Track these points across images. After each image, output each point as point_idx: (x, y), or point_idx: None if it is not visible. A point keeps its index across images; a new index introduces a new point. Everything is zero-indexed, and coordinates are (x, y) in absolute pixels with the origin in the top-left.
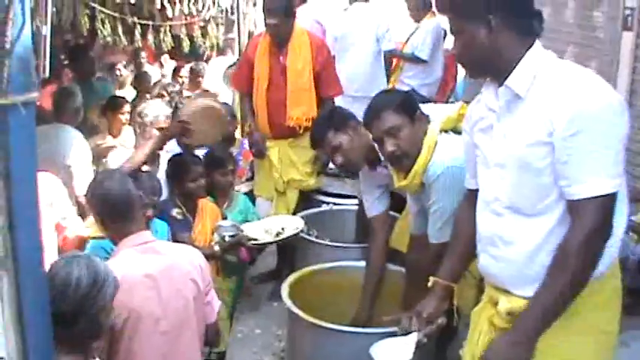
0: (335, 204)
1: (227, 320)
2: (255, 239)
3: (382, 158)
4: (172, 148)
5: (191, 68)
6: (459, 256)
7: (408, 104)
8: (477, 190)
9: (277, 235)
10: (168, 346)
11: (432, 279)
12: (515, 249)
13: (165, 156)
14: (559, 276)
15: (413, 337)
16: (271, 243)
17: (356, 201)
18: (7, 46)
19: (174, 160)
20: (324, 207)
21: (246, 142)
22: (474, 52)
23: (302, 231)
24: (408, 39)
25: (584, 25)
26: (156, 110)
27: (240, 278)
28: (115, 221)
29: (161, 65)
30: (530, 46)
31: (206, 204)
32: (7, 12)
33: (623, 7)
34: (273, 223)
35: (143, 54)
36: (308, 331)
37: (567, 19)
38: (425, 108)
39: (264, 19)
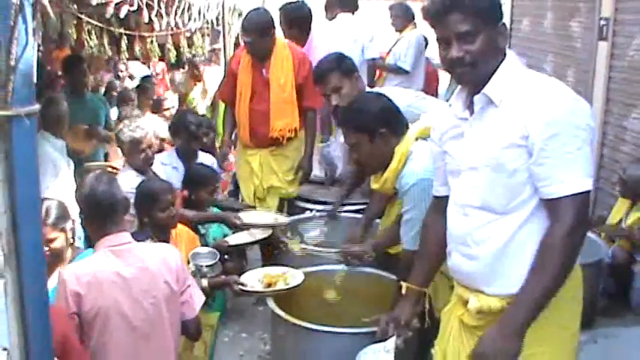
0: (318, 210)
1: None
2: (244, 284)
3: None
4: (171, 161)
5: (139, 85)
6: (429, 260)
7: (371, 124)
8: (444, 197)
9: (269, 285)
10: (139, 345)
11: (404, 285)
12: (486, 247)
13: (159, 168)
14: (545, 270)
15: (391, 343)
16: (262, 293)
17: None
18: (12, 62)
19: (142, 189)
20: (308, 213)
21: (235, 159)
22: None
23: (298, 285)
24: (391, 49)
25: (561, 35)
26: (135, 130)
27: (221, 312)
28: (97, 221)
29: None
30: (504, 58)
31: (182, 230)
32: (13, 32)
33: (599, 18)
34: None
35: (122, 66)
36: (292, 332)
37: (545, 29)
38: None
39: (241, 36)
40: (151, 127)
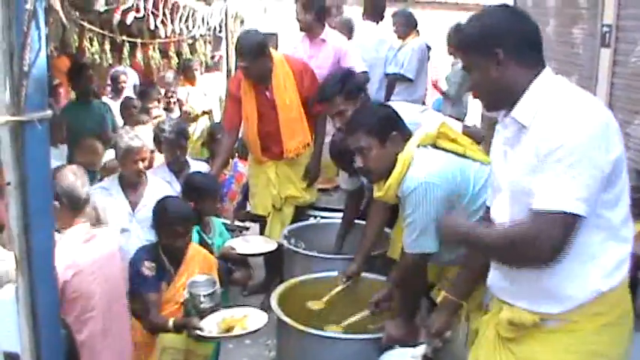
0: (322, 217)
1: None
2: (202, 329)
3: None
4: (163, 175)
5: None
6: (474, 276)
7: (382, 127)
8: None
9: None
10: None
11: (442, 294)
12: (517, 269)
13: (153, 181)
14: (496, 241)
15: (420, 350)
16: (219, 338)
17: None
18: (26, 68)
19: (161, 205)
20: (312, 220)
21: (239, 163)
22: (487, 86)
23: (259, 329)
24: (394, 57)
25: (563, 42)
26: (133, 138)
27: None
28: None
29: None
30: (536, 77)
31: (198, 252)
32: (26, 38)
33: (601, 25)
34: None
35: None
36: (297, 338)
37: (548, 36)
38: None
39: (236, 61)
40: (148, 139)
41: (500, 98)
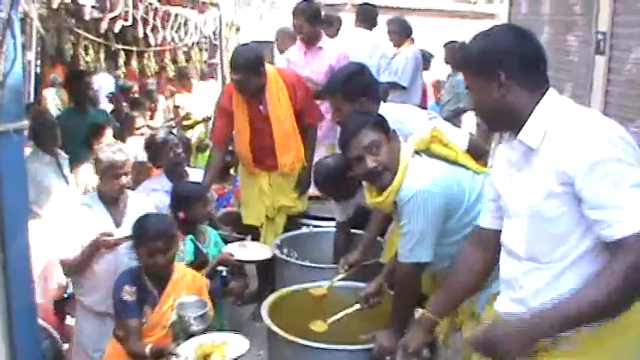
0: (315, 226)
1: None
2: (177, 355)
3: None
4: (162, 185)
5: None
6: (454, 293)
7: (382, 123)
8: (487, 230)
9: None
10: None
11: (420, 311)
12: (532, 293)
13: (134, 196)
14: (589, 294)
15: None
16: None
17: (334, 223)
18: (0, 78)
19: (139, 223)
20: (304, 229)
21: (239, 179)
22: (488, 107)
23: (240, 356)
24: (387, 65)
25: (558, 50)
26: (116, 152)
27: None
28: None
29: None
30: (541, 98)
31: (185, 275)
32: (0, 47)
33: (596, 32)
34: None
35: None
36: (288, 349)
37: (542, 44)
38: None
39: (230, 74)
40: (132, 153)
41: (503, 119)
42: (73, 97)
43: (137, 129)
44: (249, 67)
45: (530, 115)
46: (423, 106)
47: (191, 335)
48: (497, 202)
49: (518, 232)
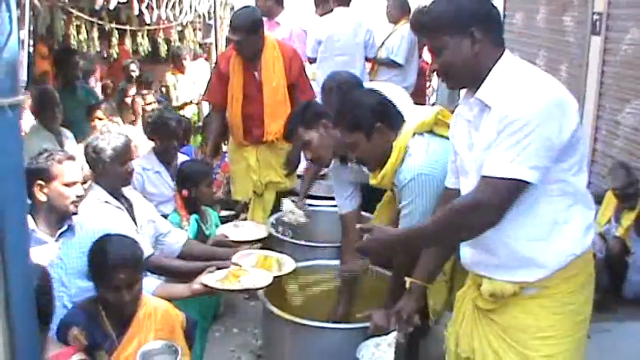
0: (309, 205)
1: None
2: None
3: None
4: (152, 165)
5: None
6: (434, 257)
7: (364, 121)
8: (455, 190)
9: None
10: None
11: (408, 280)
12: (490, 238)
13: (141, 175)
14: (434, 222)
15: (392, 337)
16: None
17: (329, 202)
18: None
19: (97, 247)
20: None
21: (228, 155)
22: (459, 64)
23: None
24: (383, 42)
25: (554, 30)
26: (115, 142)
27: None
28: None
29: None
30: (499, 58)
31: (155, 309)
32: None
33: (592, 13)
34: None
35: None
36: (284, 327)
37: (538, 24)
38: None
39: (229, 36)
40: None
41: (469, 76)
42: (62, 76)
43: (148, 104)
44: (249, 27)
45: (488, 73)
46: (421, 89)
47: None
48: (456, 162)
49: (472, 186)
